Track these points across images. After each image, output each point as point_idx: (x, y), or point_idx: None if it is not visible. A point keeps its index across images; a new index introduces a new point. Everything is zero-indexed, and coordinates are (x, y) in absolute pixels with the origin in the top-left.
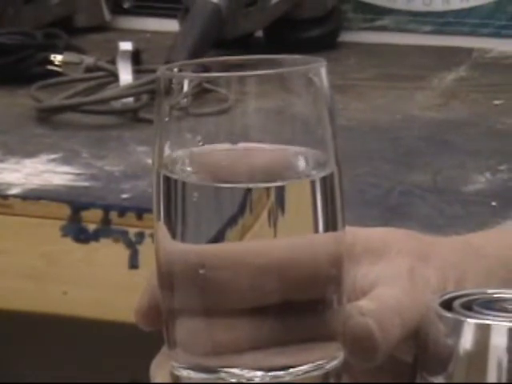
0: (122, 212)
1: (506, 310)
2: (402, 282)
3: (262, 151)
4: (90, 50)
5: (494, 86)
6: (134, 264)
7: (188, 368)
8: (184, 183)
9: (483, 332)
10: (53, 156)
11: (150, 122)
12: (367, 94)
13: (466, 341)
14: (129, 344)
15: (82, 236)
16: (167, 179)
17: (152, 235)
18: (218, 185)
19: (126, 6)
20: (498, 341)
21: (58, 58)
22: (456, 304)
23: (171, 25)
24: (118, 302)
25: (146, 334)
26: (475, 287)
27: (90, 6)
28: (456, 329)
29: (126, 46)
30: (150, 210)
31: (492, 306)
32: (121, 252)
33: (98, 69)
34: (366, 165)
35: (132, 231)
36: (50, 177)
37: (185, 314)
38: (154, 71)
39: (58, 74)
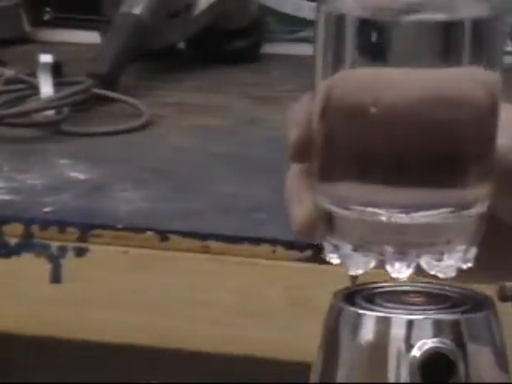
0: (44, 226)
1: (405, 302)
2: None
3: None
4: (9, 61)
5: None
6: (56, 278)
7: (333, 204)
8: (367, 21)
9: (383, 324)
10: None
11: (72, 134)
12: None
13: (367, 333)
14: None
15: (3, 250)
16: (339, 18)
17: (75, 248)
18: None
19: (46, 17)
20: (398, 333)
21: None
22: (358, 297)
23: (92, 37)
24: (41, 317)
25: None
26: None
27: (9, 18)
28: (357, 322)
29: (46, 58)
30: (72, 224)
31: (392, 298)
32: (43, 266)
33: (19, 81)
34: None
35: (54, 245)
36: None
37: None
38: (75, 83)
39: None
